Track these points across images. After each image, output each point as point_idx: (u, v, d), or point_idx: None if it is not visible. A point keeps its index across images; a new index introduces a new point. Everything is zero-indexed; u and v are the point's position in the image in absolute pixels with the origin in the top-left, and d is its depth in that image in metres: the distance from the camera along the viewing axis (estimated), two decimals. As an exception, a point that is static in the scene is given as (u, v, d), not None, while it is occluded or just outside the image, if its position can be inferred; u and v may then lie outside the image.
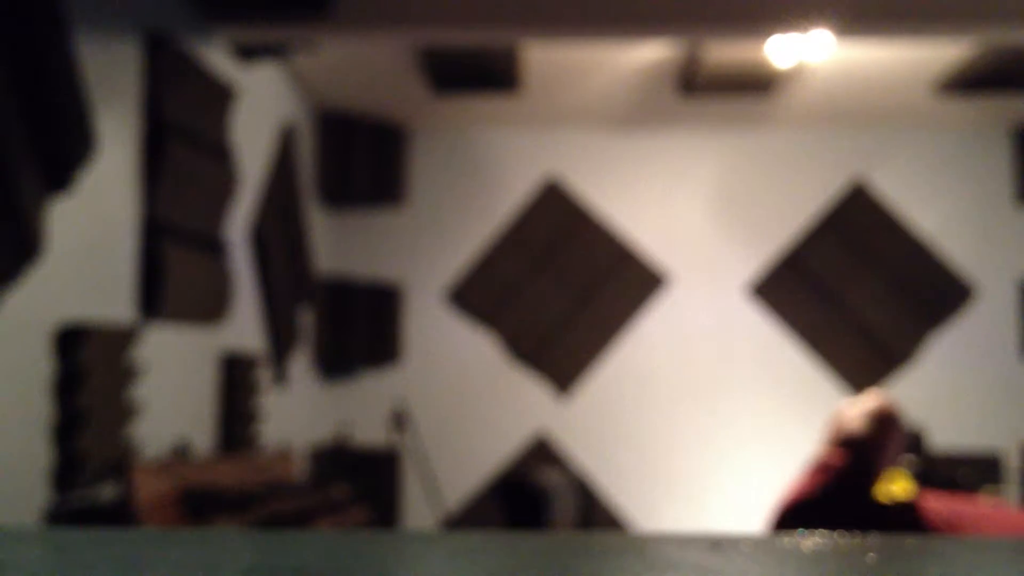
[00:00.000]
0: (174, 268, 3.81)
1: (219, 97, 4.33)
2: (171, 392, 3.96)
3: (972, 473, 5.56)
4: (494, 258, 6.63)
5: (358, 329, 6.42)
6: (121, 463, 3.36)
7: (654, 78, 5.74)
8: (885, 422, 1.97)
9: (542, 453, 6.46)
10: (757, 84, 5.63)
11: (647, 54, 5.36)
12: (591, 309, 6.50)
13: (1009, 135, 6.60)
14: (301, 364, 5.89)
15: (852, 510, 1.93)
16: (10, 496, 2.90)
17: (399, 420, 6.34)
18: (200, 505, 3.64)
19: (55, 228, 3.01)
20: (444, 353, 6.57)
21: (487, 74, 5.55)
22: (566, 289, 6.59)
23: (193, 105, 4.06)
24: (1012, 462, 6.29)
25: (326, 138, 6.36)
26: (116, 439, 3.38)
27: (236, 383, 4.63)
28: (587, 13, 4.30)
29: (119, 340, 3.40)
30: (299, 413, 5.80)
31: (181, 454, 4.01)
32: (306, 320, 5.94)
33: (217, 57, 4.39)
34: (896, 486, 2.00)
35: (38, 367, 3.03)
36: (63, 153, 3.02)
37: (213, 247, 4.32)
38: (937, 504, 1.96)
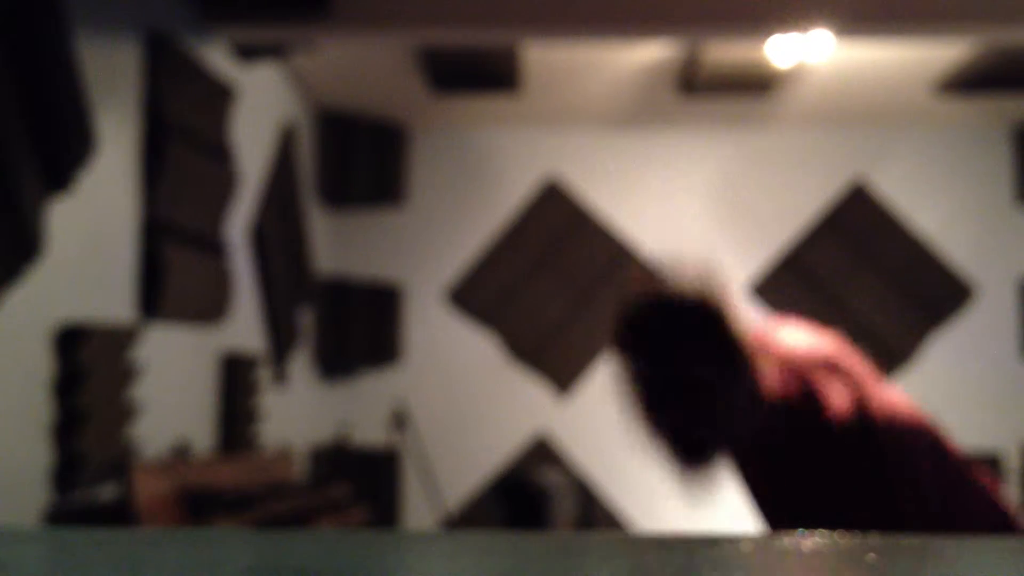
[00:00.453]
0: (174, 268, 3.81)
1: (219, 97, 4.33)
2: (171, 392, 3.96)
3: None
4: (494, 258, 6.63)
5: (358, 329, 6.42)
6: (121, 463, 3.36)
7: (654, 78, 5.73)
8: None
9: (542, 453, 6.46)
10: (757, 84, 5.63)
11: (647, 54, 5.35)
12: (591, 309, 6.49)
13: (1009, 135, 6.60)
14: (301, 364, 5.89)
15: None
16: (10, 496, 2.89)
17: (399, 420, 6.34)
18: (200, 505, 3.63)
19: (55, 228, 3.01)
20: (444, 353, 6.56)
21: (487, 74, 5.55)
22: (566, 289, 6.59)
23: (193, 105, 4.06)
24: (1012, 462, 6.29)
25: (326, 138, 6.36)
26: (116, 439, 3.38)
27: (236, 383, 4.63)
28: (587, 13, 4.29)
29: (119, 340, 3.40)
30: (299, 413, 5.79)
31: (181, 454, 4.01)
32: (306, 320, 5.94)
33: (217, 57, 4.39)
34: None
35: (38, 367, 3.03)
36: (63, 153, 3.02)
37: (213, 247, 4.32)
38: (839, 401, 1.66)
